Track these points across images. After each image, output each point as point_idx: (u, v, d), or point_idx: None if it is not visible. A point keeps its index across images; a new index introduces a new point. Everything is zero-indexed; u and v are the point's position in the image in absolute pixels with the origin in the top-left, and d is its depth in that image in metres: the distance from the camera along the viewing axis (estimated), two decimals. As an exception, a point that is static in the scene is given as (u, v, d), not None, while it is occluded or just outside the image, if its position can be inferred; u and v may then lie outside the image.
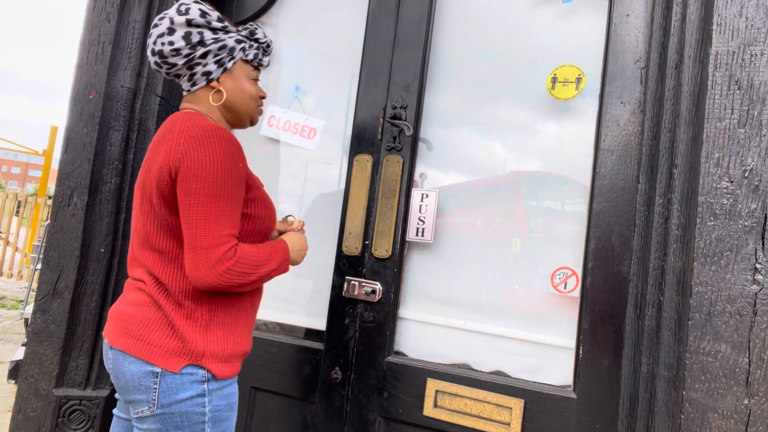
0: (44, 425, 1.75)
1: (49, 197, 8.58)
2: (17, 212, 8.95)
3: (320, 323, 1.79)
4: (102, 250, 1.81)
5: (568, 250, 1.56)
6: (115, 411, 1.34)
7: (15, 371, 3.57)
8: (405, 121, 1.73)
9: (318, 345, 1.77)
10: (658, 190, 1.35)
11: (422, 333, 1.71)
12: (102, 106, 1.81)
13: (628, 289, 1.41)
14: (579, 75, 1.57)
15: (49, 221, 1.86)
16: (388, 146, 1.75)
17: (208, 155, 1.10)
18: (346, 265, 1.75)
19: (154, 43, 1.22)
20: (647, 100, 1.43)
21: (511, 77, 1.71)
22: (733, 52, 1.24)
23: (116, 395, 1.34)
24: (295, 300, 1.92)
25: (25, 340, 2.07)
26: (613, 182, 1.48)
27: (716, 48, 1.25)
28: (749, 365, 1.15)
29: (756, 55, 1.22)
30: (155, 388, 1.12)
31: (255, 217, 1.24)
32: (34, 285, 5.42)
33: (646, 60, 1.47)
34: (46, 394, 1.76)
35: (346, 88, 1.90)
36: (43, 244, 1.92)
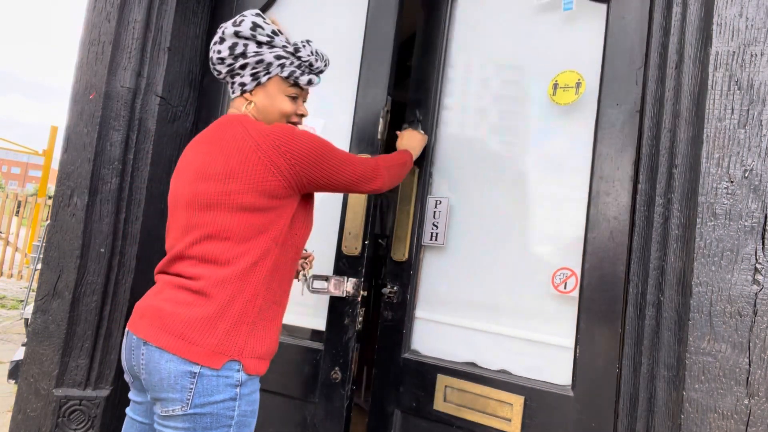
0: (44, 425, 1.75)
1: (49, 197, 8.58)
2: (17, 212, 8.95)
3: (320, 323, 1.79)
4: (102, 250, 1.81)
5: (569, 251, 1.57)
6: (128, 412, 1.31)
7: (15, 371, 3.57)
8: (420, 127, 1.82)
9: (318, 345, 1.77)
10: (658, 190, 1.35)
11: (435, 332, 1.78)
12: (102, 106, 1.81)
13: (623, 289, 1.41)
14: (578, 80, 1.59)
15: (49, 221, 1.86)
16: None
17: (300, 141, 1.22)
18: (345, 265, 1.75)
19: (210, 49, 1.31)
20: (647, 100, 1.43)
21: (515, 84, 1.74)
22: (733, 52, 1.24)
23: (131, 396, 1.30)
24: (296, 300, 1.92)
25: (25, 340, 2.07)
26: (608, 183, 1.48)
27: (716, 48, 1.25)
28: (749, 365, 1.15)
29: (756, 55, 1.22)
30: (191, 388, 1.12)
31: (305, 225, 1.32)
32: (34, 285, 5.42)
33: (642, 61, 1.47)
34: (46, 394, 1.76)
35: (346, 88, 1.90)
36: (43, 244, 1.92)
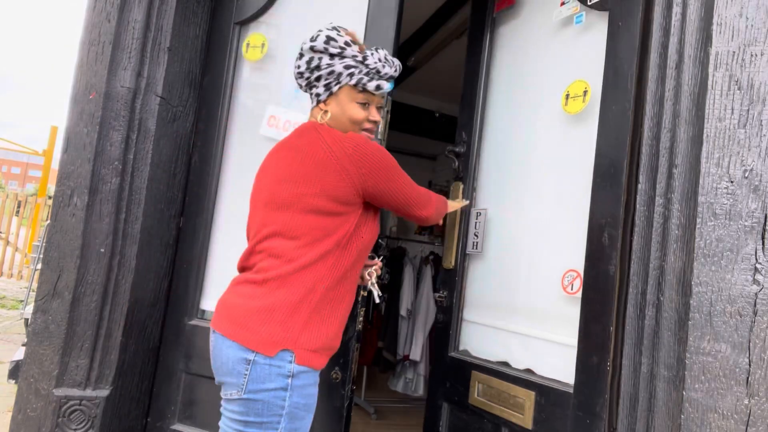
0: (44, 425, 1.75)
1: (49, 197, 8.57)
2: (17, 212, 8.95)
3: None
4: (102, 250, 1.81)
5: (575, 252, 1.59)
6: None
7: (15, 371, 3.57)
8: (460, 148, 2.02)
9: (318, 345, 1.77)
10: (658, 190, 1.35)
11: (476, 333, 1.95)
12: (102, 106, 1.81)
13: (617, 288, 1.41)
14: (585, 88, 1.63)
15: (49, 221, 1.86)
16: (455, 176, 2.05)
17: (371, 150, 1.30)
18: (346, 265, 1.75)
19: (294, 65, 1.40)
20: (647, 100, 1.42)
21: (539, 99, 1.83)
22: (733, 52, 1.24)
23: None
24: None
25: (25, 340, 2.08)
26: (603, 183, 1.48)
27: (716, 48, 1.25)
28: (749, 365, 1.15)
29: (756, 55, 1.22)
30: (245, 374, 1.21)
31: (371, 230, 1.37)
32: (34, 285, 5.41)
33: (636, 63, 1.46)
34: (46, 394, 1.76)
35: (346, 88, 1.90)
36: (43, 244, 1.92)
